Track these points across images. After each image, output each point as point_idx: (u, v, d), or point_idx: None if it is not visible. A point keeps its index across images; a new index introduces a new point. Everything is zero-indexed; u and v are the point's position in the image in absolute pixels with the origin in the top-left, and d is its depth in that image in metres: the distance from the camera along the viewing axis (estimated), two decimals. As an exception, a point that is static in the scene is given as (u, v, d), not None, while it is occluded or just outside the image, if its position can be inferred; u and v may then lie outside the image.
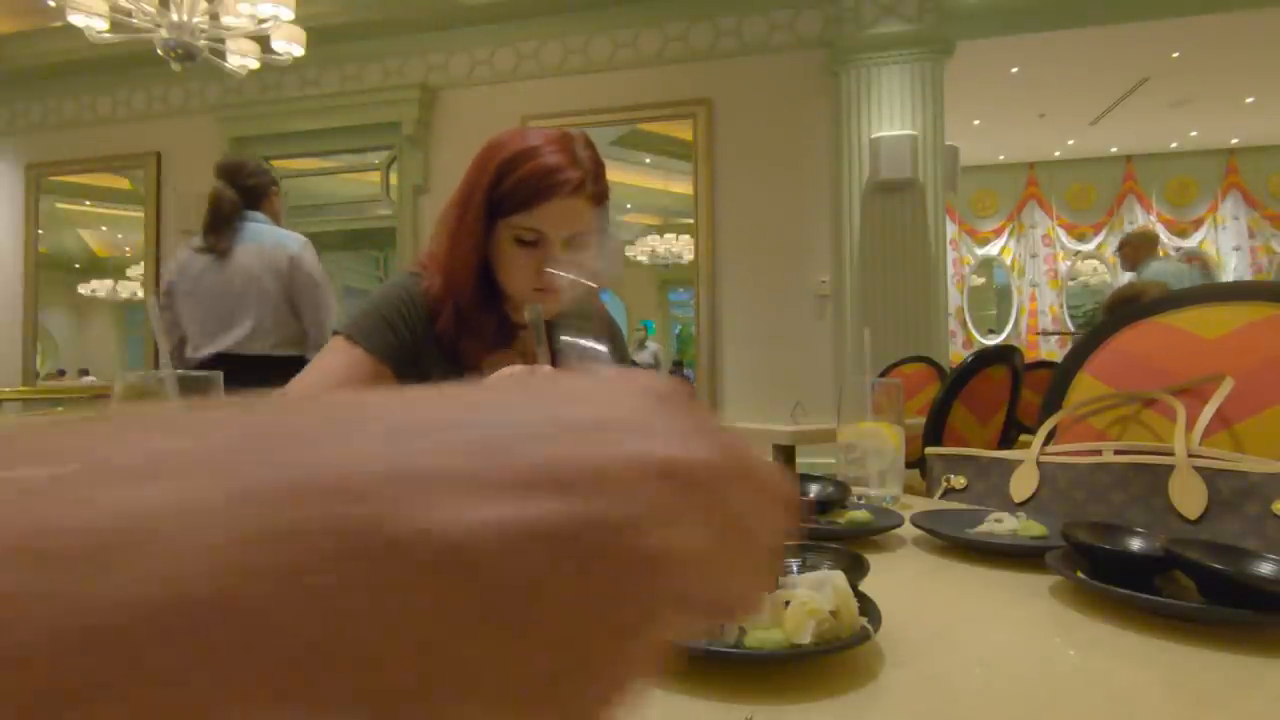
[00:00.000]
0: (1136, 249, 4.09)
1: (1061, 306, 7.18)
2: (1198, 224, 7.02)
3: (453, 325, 0.97)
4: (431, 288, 0.98)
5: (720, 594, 0.15)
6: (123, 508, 0.11)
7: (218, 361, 2.22)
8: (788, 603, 0.42)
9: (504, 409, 0.14)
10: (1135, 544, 0.59)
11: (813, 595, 0.43)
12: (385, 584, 0.11)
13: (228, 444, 0.12)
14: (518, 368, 0.81)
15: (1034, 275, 7.29)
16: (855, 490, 0.88)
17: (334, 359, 0.95)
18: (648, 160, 4.61)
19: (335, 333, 0.98)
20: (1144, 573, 0.56)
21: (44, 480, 0.11)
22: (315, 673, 0.11)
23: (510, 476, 0.12)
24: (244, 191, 2.29)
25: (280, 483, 0.11)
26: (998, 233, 7.34)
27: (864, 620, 0.45)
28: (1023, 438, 2.26)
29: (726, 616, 0.15)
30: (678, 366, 4.96)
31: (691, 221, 4.37)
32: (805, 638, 0.41)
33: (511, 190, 0.92)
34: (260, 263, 2.24)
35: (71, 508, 0.11)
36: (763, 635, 0.41)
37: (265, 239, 2.27)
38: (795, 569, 0.51)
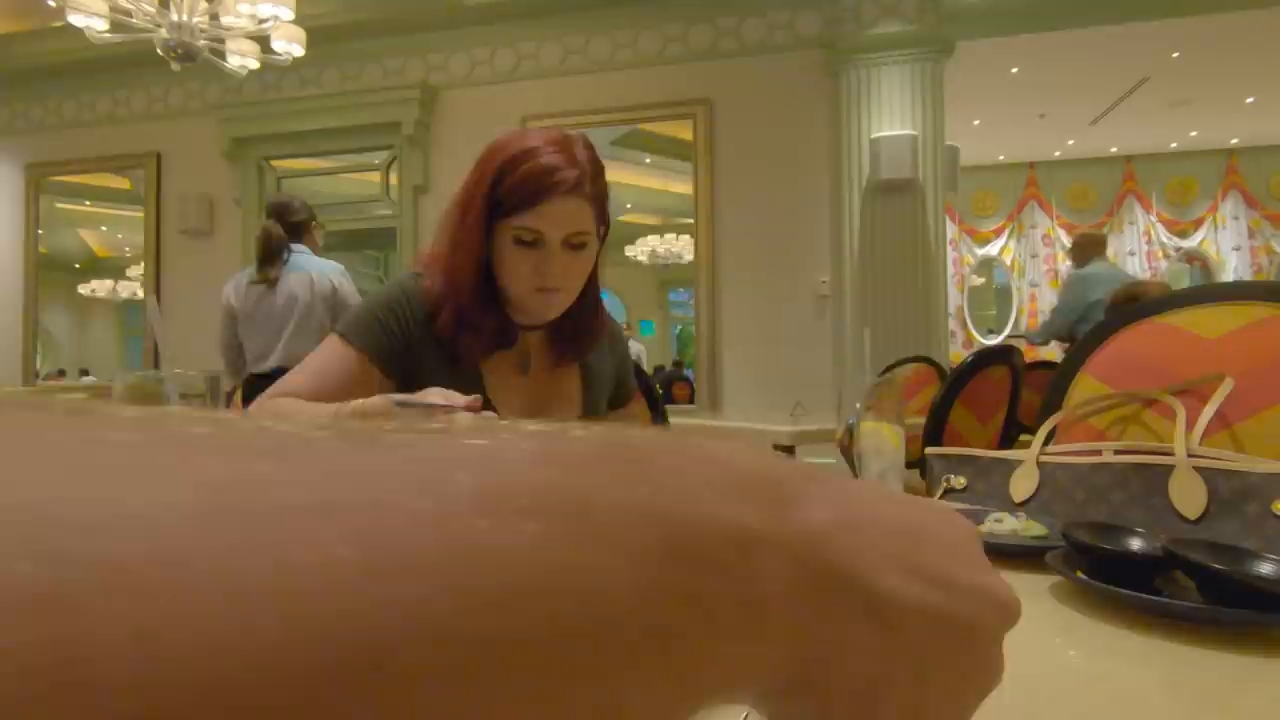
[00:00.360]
0: (1084, 248, 4.20)
1: (1061, 306, 7.18)
2: (1198, 224, 7.01)
3: (453, 325, 0.98)
4: (433, 288, 0.99)
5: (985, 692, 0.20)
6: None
7: (275, 374, 2.49)
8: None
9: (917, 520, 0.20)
10: (1135, 544, 0.59)
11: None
12: (836, 609, 0.16)
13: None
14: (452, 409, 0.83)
15: (1034, 275, 7.29)
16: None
17: (324, 355, 0.98)
18: (648, 160, 4.61)
19: (333, 331, 1.00)
20: (1144, 573, 0.56)
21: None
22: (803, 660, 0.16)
23: (923, 569, 0.18)
24: (289, 227, 2.61)
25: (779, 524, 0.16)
26: (998, 233, 7.34)
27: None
28: (1023, 438, 2.26)
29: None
30: (678, 366, 4.95)
31: (691, 221, 4.36)
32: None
33: (510, 190, 0.93)
34: (308, 291, 2.57)
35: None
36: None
37: (312, 269, 2.60)
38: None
